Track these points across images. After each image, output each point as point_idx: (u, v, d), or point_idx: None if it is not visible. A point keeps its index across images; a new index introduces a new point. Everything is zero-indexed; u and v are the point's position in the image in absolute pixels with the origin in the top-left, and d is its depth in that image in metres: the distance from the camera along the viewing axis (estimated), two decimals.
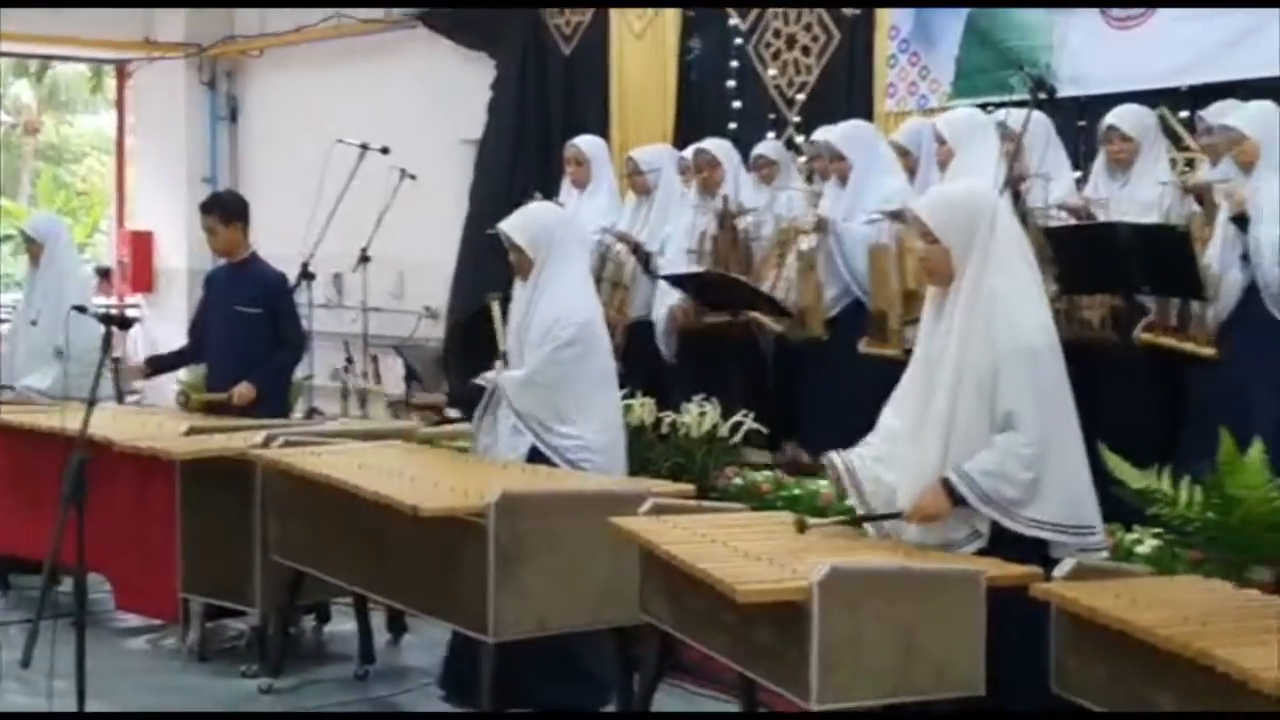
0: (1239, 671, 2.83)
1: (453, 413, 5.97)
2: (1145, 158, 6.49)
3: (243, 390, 6.48)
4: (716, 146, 7.80)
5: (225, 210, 6.74)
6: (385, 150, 8.61)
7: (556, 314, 5.16)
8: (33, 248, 7.44)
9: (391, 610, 6.07)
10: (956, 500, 3.92)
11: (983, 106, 7.29)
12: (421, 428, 6.88)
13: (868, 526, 4.16)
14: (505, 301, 5.37)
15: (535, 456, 5.16)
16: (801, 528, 4.13)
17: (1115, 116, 6.56)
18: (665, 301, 7.61)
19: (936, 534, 4.01)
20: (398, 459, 5.39)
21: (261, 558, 5.59)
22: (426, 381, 10.63)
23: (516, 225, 5.31)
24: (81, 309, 5.47)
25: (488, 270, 8.68)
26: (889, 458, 4.17)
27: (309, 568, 5.44)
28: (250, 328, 6.56)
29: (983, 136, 6.60)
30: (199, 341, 6.90)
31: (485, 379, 5.30)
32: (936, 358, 4.04)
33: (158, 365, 7.16)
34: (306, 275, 8.13)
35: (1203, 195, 6.14)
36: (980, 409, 3.92)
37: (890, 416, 4.24)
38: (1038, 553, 3.86)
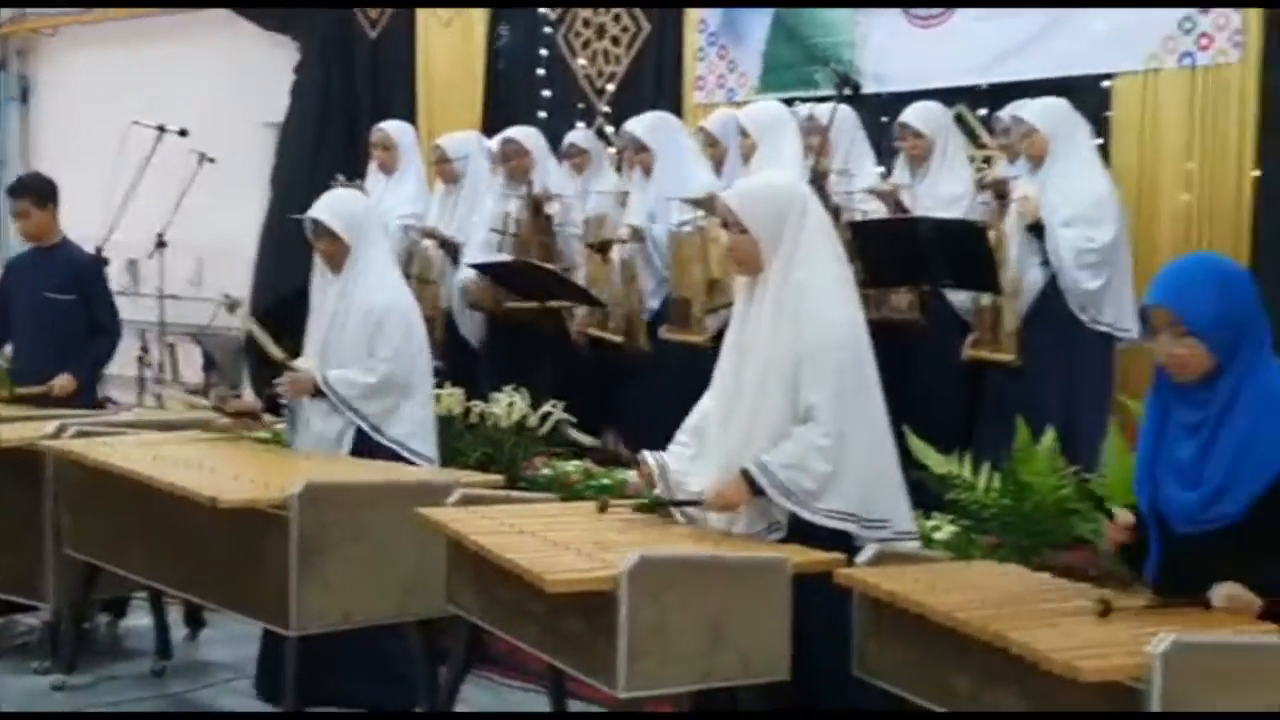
0: (1032, 653, 2.91)
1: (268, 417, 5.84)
2: (941, 154, 6.66)
3: (64, 382, 6.29)
4: (524, 135, 7.75)
5: (38, 193, 6.51)
6: (183, 133, 8.43)
7: (372, 304, 5.06)
8: None
9: (189, 604, 5.92)
10: (756, 491, 3.96)
11: (789, 101, 7.39)
12: (221, 418, 6.71)
13: (675, 512, 4.19)
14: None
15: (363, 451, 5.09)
16: (603, 508, 4.20)
17: (908, 114, 6.73)
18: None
19: (738, 524, 4.04)
20: (196, 450, 5.25)
21: (54, 551, 5.40)
22: (225, 371, 10.39)
23: (329, 211, 5.17)
24: None
25: (290, 257, 8.53)
26: (699, 453, 4.20)
27: (104, 562, 5.27)
28: (62, 315, 6.35)
29: (783, 129, 6.69)
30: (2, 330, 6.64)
31: (296, 388, 5.13)
32: (746, 347, 4.07)
33: None
34: (101, 261, 7.88)
35: (1002, 191, 6.33)
36: (784, 400, 3.96)
37: (705, 405, 4.28)
38: (843, 542, 3.92)
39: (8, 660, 5.82)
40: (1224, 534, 3.19)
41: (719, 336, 4.43)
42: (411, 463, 5.08)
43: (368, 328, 5.07)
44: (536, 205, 7.42)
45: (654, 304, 7.08)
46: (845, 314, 4.04)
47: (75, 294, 6.39)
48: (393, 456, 5.07)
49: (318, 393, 5.09)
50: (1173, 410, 3.31)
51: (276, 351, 5.21)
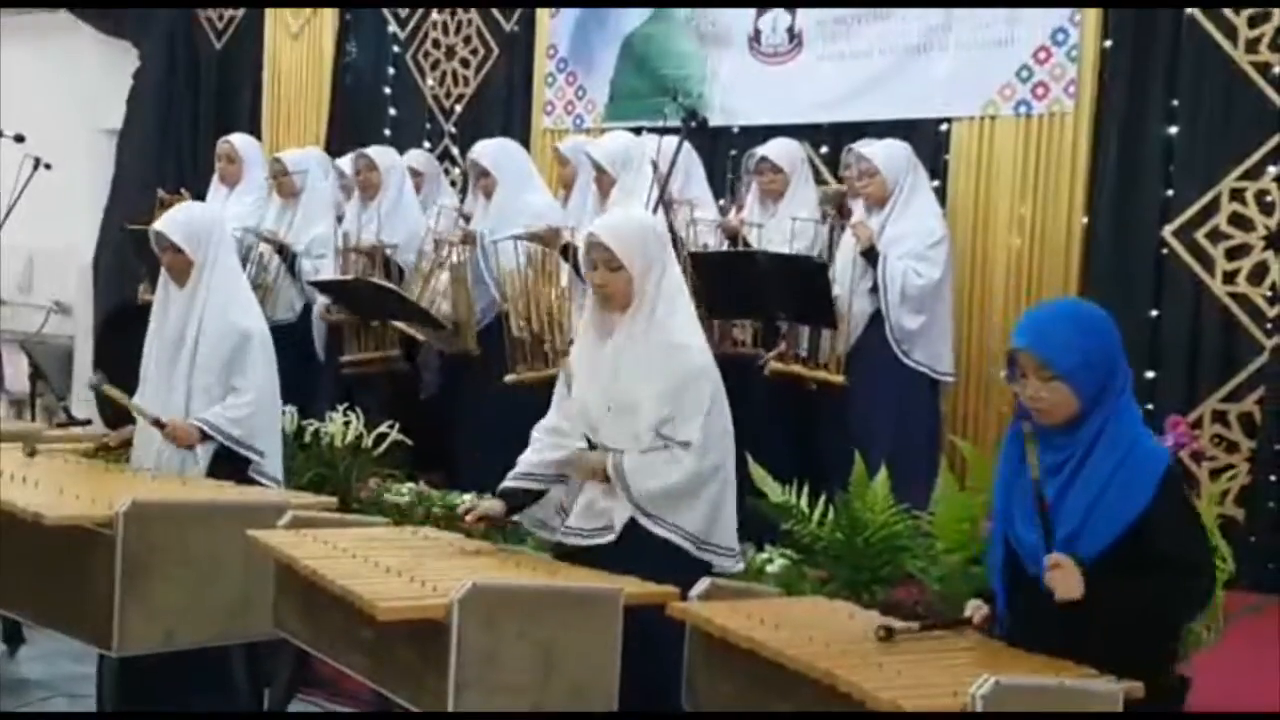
0: (859, 691, 2.95)
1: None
2: (794, 190, 6.74)
3: None
4: (379, 153, 7.64)
5: None
6: (20, 138, 8.17)
7: (229, 327, 4.89)
8: None
9: (7, 621, 5.76)
10: (606, 477, 4.01)
11: (635, 131, 7.43)
12: (45, 430, 6.53)
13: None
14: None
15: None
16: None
17: (767, 149, 6.79)
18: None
19: (573, 516, 4.12)
20: (19, 463, 5.08)
21: None
22: (52, 380, 10.12)
23: (172, 223, 4.98)
24: None
25: (130, 265, 8.38)
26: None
27: None
28: None
29: (639, 162, 6.67)
30: None
31: (180, 439, 4.88)
32: (606, 381, 4.07)
33: None
34: None
35: (841, 204, 6.46)
36: (648, 432, 3.99)
37: (538, 444, 4.26)
38: (674, 555, 4.00)
39: None
40: None
41: None
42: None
43: (224, 351, 4.89)
44: (369, 253, 7.30)
45: (480, 304, 7.00)
46: (702, 347, 4.10)
47: None
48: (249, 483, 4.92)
49: (204, 438, 4.87)
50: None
51: (135, 408, 4.95)
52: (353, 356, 7.31)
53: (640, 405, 4.01)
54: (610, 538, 4.06)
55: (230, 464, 4.91)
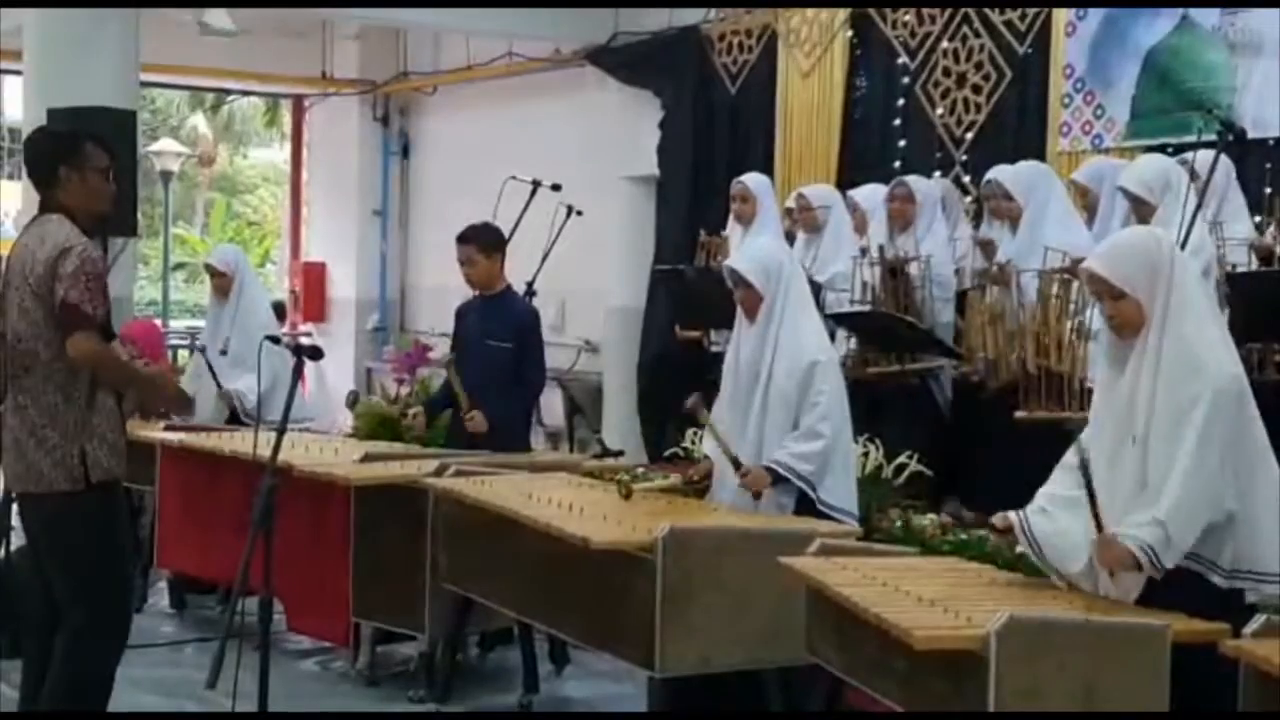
0: None
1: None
2: None
3: (475, 424, 6.42)
4: (915, 181, 7.60)
5: (484, 242, 6.65)
6: (556, 187, 8.71)
7: (800, 354, 5.04)
8: (220, 280, 7.46)
9: (553, 640, 6.08)
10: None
11: (1161, 148, 7.14)
12: (585, 461, 6.91)
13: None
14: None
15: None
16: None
17: None
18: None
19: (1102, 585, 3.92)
20: (564, 491, 5.41)
21: (431, 584, 5.66)
22: (587, 414, 10.71)
23: (746, 261, 5.20)
24: (275, 339, 5.47)
25: (666, 308, 8.79)
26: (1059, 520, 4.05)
27: (478, 596, 5.50)
28: (500, 362, 6.50)
29: (1178, 185, 6.30)
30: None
31: (756, 484, 5.05)
32: (1122, 412, 3.92)
33: (432, 410, 6.93)
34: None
35: None
36: (1165, 459, 3.79)
37: (1062, 482, 4.12)
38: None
39: (385, 688, 6.08)
40: None
41: None
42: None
43: (795, 385, 5.05)
44: (893, 269, 7.24)
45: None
46: (1230, 360, 3.89)
47: (512, 343, 6.54)
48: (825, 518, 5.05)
49: (776, 480, 5.05)
50: None
51: (728, 445, 5.13)
52: (880, 369, 7.29)
53: (1149, 440, 3.82)
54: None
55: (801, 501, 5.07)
